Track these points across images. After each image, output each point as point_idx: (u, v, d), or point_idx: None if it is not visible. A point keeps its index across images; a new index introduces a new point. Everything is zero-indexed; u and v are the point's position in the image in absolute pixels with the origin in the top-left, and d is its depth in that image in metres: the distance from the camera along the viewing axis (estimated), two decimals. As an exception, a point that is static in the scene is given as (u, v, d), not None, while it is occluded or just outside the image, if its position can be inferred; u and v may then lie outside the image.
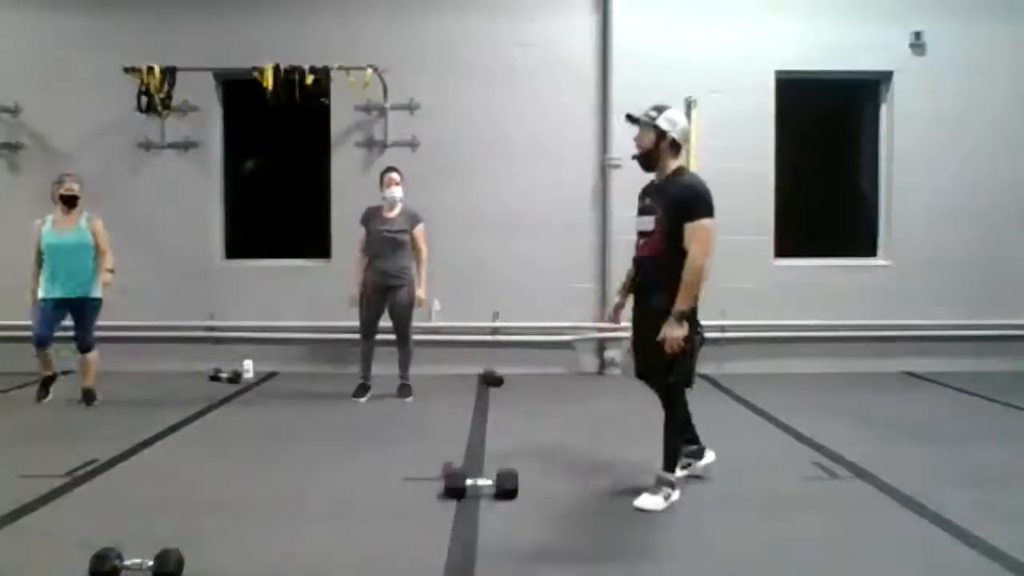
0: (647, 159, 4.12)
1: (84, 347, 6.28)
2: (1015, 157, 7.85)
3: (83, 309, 6.22)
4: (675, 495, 4.00)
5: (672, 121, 4.03)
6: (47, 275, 6.16)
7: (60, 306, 6.18)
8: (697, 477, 4.36)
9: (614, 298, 4.52)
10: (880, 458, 4.75)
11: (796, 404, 6.28)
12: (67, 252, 6.14)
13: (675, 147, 4.07)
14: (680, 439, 4.16)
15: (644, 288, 4.16)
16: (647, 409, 6.30)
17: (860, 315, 7.76)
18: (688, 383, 4.08)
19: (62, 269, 6.13)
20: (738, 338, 7.73)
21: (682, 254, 3.88)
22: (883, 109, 7.99)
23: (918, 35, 7.75)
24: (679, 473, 4.15)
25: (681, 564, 3.38)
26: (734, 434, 5.58)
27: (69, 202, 6.22)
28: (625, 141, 7.60)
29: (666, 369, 3.97)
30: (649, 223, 4.06)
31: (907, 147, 7.84)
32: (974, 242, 7.82)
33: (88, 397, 6.31)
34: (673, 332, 3.85)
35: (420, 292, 6.48)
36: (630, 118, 4.15)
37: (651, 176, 4.22)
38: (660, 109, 4.06)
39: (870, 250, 8.05)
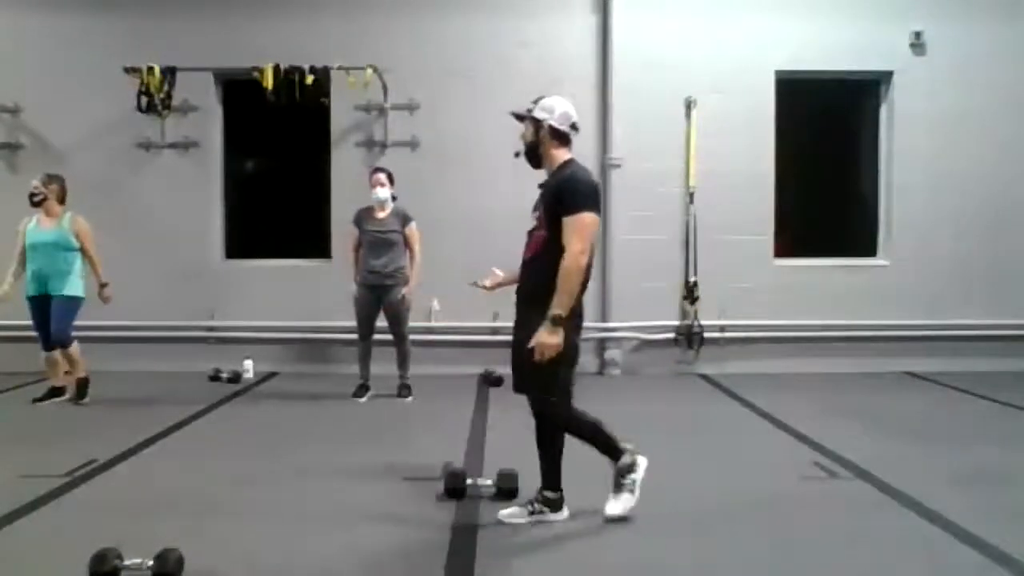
0: (531, 154, 3.75)
1: (59, 343, 6.23)
2: (1015, 157, 7.85)
3: (55, 306, 6.18)
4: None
5: (548, 108, 3.66)
6: (28, 274, 6.19)
7: (40, 303, 6.19)
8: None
9: (498, 272, 4.10)
10: (880, 458, 4.75)
11: (796, 404, 6.28)
12: (43, 249, 6.14)
13: (558, 136, 3.68)
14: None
15: (524, 293, 3.74)
16: (647, 408, 6.32)
17: (860, 315, 7.76)
18: (567, 399, 3.70)
19: (39, 266, 6.14)
20: (738, 338, 7.73)
21: (562, 254, 3.48)
22: (883, 109, 7.99)
23: (918, 35, 7.75)
24: (523, 519, 3.72)
25: (679, 562, 3.37)
26: (734, 434, 5.59)
27: (32, 202, 6.22)
28: (626, 141, 7.70)
29: (541, 386, 3.60)
30: (533, 221, 3.71)
31: (907, 147, 7.83)
32: (974, 242, 7.83)
33: (81, 387, 6.30)
34: (545, 339, 3.43)
35: (406, 289, 6.45)
36: (515, 115, 3.81)
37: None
38: (538, 100, 3.73)
39: (870, 250, 8.05)
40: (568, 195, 3.53)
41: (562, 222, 3.50)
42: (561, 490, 3.80)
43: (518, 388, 3.77)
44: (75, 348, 6.30)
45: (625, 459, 3.74)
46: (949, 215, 7.81)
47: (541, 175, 3.87)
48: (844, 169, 8.31)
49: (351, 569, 3.29)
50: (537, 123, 3.68)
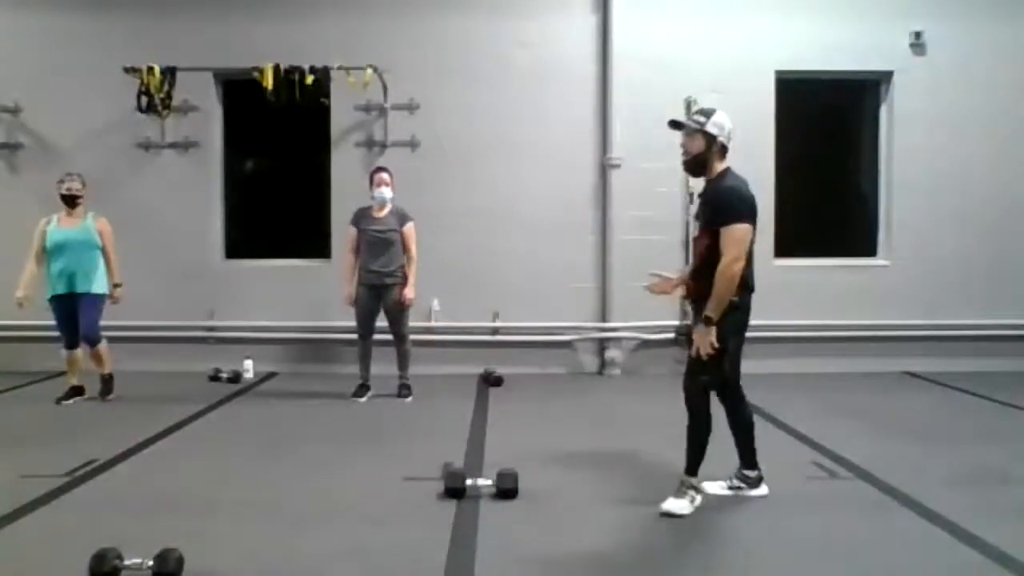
0: (696, 164, 4.02)
1: (89, 341, 6.31)
2: (1015, 157, 7.85)
3: (84, 304, 6.23)
4: (700, 499, 3.94)
5: (720, 125, 3.95)
6: (52, 273, 6.21)
7: (66, 302, 6.22)
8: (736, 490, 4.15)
9: (669, 273, 4.48)
10: (880, 458, 4.75)
11: (796, 404, 6.27)
12: (71, 248, 6.19)
13: (723, 151, 3.99)
14: (703, 443, 3.98)
15: (699, 297, 4.00)
16: (647, 408, 6.32)
17: (860, 315, 7.75)
18: (712, 386, 4.00)
19: (66, 265, 6.18)
20: (738, 338, 7.72)
21: (719, 260, 3.79)
22: (883, 109, 7.99)
23: (918, 35, 7.75)
24: (724, 491, 4.13)
25: (680, 563, 3.38)
26: (734, 434, 5.59)
27: (69, 202, 6.28)
28: (626, 141, 7.69)
29: (714, 371, 3.95)
30: (696, 229, 4.06)
31: (907, 147, 7.83)
32: (974, 242, 7.82)
33: (106, 384, 6.41)
34: (698, 339, 3.83)
35: (407, 290, 6.45)
36: (675, 124, 4.06)
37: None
38: (707, 113, 3.99)
39: (870, 250, 8.05)
40: (725, 206, 3.83)
41: (719, 232, 3.79)
42: (759, 468, 4.14)
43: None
44: (104, 345, 6.38)
45: (696, 481, 3.96)
46: (949, 215, 7.81)
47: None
48: (844, 169, 8.30)
49: (351, 569, 3.30)
50: (710, 137, 3.94)
